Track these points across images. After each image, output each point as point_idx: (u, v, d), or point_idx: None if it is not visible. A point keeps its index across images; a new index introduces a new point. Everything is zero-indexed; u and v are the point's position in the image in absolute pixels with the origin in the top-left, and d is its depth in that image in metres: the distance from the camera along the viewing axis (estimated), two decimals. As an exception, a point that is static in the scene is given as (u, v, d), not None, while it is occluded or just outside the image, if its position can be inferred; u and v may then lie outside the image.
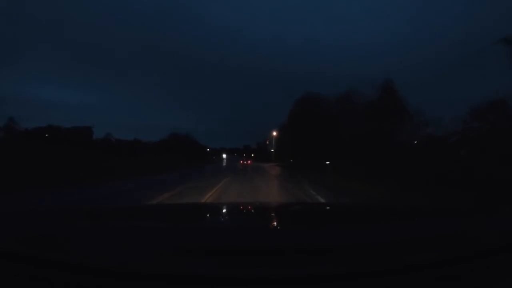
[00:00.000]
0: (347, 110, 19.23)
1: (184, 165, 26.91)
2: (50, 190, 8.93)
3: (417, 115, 15.60)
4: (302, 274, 0.67)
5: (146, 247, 0.79)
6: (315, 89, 26.60)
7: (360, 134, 15.91)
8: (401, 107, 16.27)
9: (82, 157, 14.60)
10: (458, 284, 0.71)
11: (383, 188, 8.94)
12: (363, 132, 15.88)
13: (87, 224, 1.13)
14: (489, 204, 5.60)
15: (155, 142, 40.63)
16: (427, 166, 9.81)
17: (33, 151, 12.15)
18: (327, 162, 18.92)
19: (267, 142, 63.62)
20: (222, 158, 75.04)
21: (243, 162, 41.14)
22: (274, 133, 48.80)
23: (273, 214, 1.63)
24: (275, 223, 1.35)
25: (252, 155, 72.59)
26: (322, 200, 7.93)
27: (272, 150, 51.72)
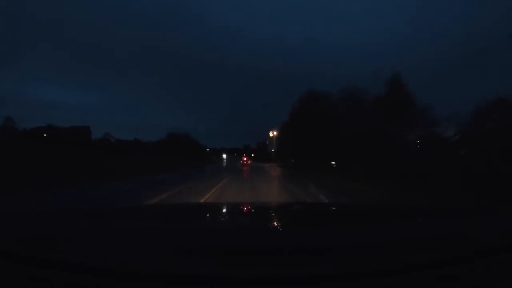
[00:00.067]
0: (352, 107, 18.25)
1: (183, 165, 26.90)
2: (50, 190, 8.94)
3: (426, 112, 14.75)
4: (302, 274, 0.67)
5: (146, 247, 0.79)
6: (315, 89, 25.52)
7: (366, 133, 15.09)
8: (410, 103, 15.36)
9: (81, 157, 14.59)
10: (458, 284, 0.71)
11: (408, 193, 7.93)
12: (370, 131, 15.06)
13: (87, 224, 1.13)
14: (489, 204, 5.60)
15: (154, 142, 40.41)
16: (430, 166, 9.74)
17: (32, 151, 12.12)
18: (333, 163, 18.20)
19: (267, 142, 63.56)
20: (222, 158, 74.92)
21: (243, 162, 41.25)
22: (275, 133, 48.68)
23: (273, 214, 1.63)
24: (275, 223, 1.35)
25: (252, 155, 72.51)
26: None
27: (273, 150, 51.59)
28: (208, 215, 1.62)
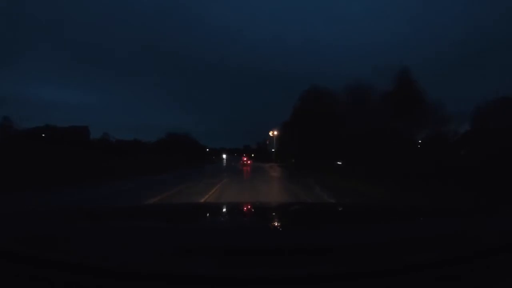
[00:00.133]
0: (357, 104, 17.22)
1: (183, 165, 26.91)
2: (50, 190, 8.94)
3: (437, 109, 14.03)
4: (302, 274, 0.67)
5: (146, 247, 0.79)
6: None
7: (373, 131, 14.27)
8: (420, 99, 14.51)
9: (80, 157, 14.59)
10: (458, 284, 0.71)
11: (415, 193, 7.56)
12: (376, 129, 14.26)
13: (87, 224, 1.13)
14: (489, 204, 5.60)
15: (154, 142, 40.25)
16: (432, 165, 9.59)
17: (31, 151, 12.11)
18: (339, 162, 17.31)
19: (267, 142, 63.42)
20: (222, 159, 74.78)
21: (243, 162, 41.14)
22: (275, 133, 48.31)
23: (273, 214, 1.63)
24: (275, 223, 1.35)
25: (252, 155, 72.33)
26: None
27: (273, 150, 51.27)
28: (208, 215, 1.62)
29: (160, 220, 1.41)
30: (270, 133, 54.19)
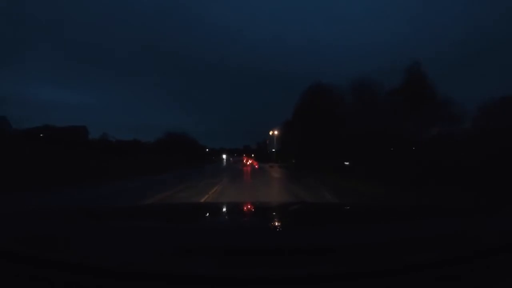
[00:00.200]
0: (364, 100, 16.19)
1: (183, 165, 26.90)
2: (50, 190, 8.94)
3: (448, 106, 13.29)
4: (302, 274, 0.67)
5: (146, 247, 0.79)
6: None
7: (379, 129, 13.43)
8: (431, 95, 13.67)
9: (80, 157, 14.59)
10: (458, 284, 0.71)
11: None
12: (383, 127, 13.41)
13: (87, 224, 1.13)
14: (489, 204, 5.60)
15: (153, 142, 40.05)
16: (434, 164, 9.39)
17: (30, 151, 12.12)
18: (346, 163, 16.18)
19: (267, 142, 63.24)
20: (222, 159, 74.60)
21: (244, 161, 40.79)
22: (275, 132, 47.77)
23: (273, 214, 1.63)
24: (275, 223, 1.35)
25: (252, 155, 72.24)
26: None
27: (273, 150, 50.89)
28: (208, 215, 1.62)
29: (160, 220, 1.41)
30: (270, 133, 53.89)
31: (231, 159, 79.24)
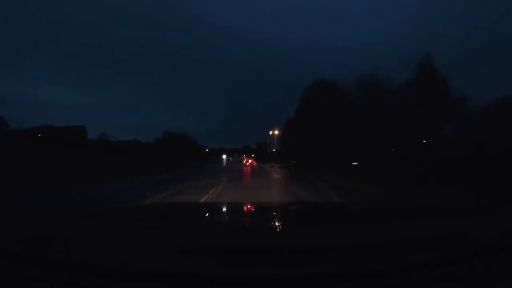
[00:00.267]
0: (370, 97, 15.13)
1: (182, 165, 26.86)
2: (50, 190, 8.94)
3: (463, 103, 12.33)
4: (302, 274, 0.67)
5: (146, 247, 0.79)
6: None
7: (389, 128, 12.56)
8: (444, 91, 12.77)
9: (80, 157, 14.60)
10: (458, 284, 0.71)
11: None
12: (392, 125, 12.51)
13: (87, 224, 1.13)
14: (489, 204, 5.60)
15: (151, 142, 39.81)
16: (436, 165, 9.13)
17: (30, 151, 12.12)
18: (354, 163, 15.10)
19: (267, 141, 63.07)
20: (222, 159, 74.42)
21: (244, 161, 40.82)
22: (276, 132, 47.30)
23: (273, 214, 1.63)
24: (275, 223, 1.35)
25: (252, 155, 72.19)
26: None
27: (274, 150, 50.56)
28: (208, 215, 1.62)
29: (160, 220, 1.41)
30: (270, 133, 53.64)
31: (231, 159, 79.21)
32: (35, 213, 1.35)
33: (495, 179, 6.74)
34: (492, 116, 11.45)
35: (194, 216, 1.53)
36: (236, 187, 10.99)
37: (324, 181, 12.28)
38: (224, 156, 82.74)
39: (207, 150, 75.64)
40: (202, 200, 7.46)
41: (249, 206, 1.94)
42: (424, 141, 13.49)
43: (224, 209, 1.81)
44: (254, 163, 40.82)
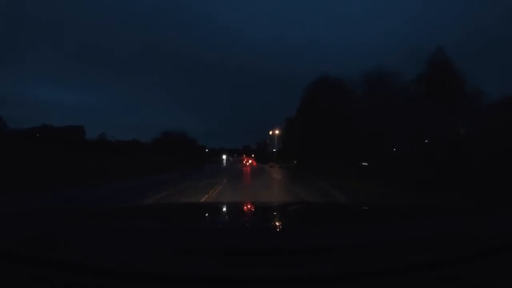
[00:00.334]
0: (377, 94, 14.35)
1: (182, 166, 26.85)
2: (50, 190, 8.94)
3: (477, 97, 11.69)
4: (302, 274, 0.67)
5: (146, 247, 0.79)
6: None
7: (395, 126, 11.87)
8: (458, 85, 11.98)
9: (80, 157, 14.59)
10: (458, 284, 0.71)
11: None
12: (398, 123, 11.78)
13: (87, 224, 1.13)
14: (489, 204, 5.60)
15: (150, 142, 39.44)
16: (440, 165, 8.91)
17: (29, 151, 12.10)
18: (364, 163, 14.56)
19: (267, 141, 62.95)
20: (222, 159, 74.30)
21: (244, 162, 40.84)
22: (276, 132, 46.96)
23: (273, 214, 1.63)
24: (275, 223, 1.35)
25: (252, 155, 72.17)
26: None
27: (274, 150, 50.31)
28: (208, 215, 1.62)
29: (160, 220, 1.41)
30: (270, 133, 53.44)
31: (230, 159, 79.19)
32: (35, 213, 1.35)
33: (495, 180, 6.73)
34: (492, 116, 11.43)
35: (194, 216, 1.53)
36: (236, 188, 10.99)
37: (332, 185, 11.38)
38: (224, 156, 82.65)
39: (207, 150, 75.57)
40: (202, 200, 7.47)
41: (249, 206, 1.94)
42: (426, 141, 13.25)
43: (224, 209, 1.81)
44: (254, 163, 41.17)
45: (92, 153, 17.67)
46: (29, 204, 6.44)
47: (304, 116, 21.29)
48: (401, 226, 1.10)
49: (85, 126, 34.89)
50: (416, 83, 13.42)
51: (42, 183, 9.19)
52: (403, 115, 12.31)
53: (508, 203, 5.35)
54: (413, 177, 9.10)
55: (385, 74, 14.82)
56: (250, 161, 44.21)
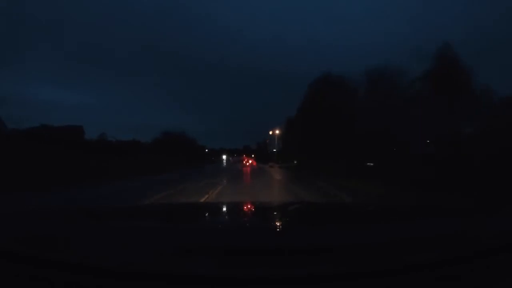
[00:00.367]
0: (381, 93, 14.16)
1: (182, 166, 26.84)
2: (50, 190, 8.94)
3: (485, 95, 11.51)
4: (302, 274, 0.67)
5: (146, 247, 0.79)
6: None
7: (398, 125, 11.71)
8: (466, 82, 11.73)
9: (80, 157, 14.58)
10: (458, 284, 0.71)
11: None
12: (402, 122, 11.62)
13: (87, 224, 1.13)
14: (489, 204, 5.60)
15: (149, 142, 39.32)
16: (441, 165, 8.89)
17: (29, 151, 12.09)
18: (370, 164, 14.34)
19: (267, 141, 62.90)
20: (222, 159, 74.25)
21: (244, 162, 40.81)
22: (276, 131, 46.74)
23: (273, 214, 1.63)
24: (275, 223, 1.35)
25: (252, 155, 72.14)
26: None
27: (274, 150, 50.13)
28: (208, 215, 1.62)
29: (160, 220, 1.41)
30: (270, 133, 53.32)
31: (230, 159, 79.19)
32: (35, 213, 1.35)
33: (495, 180, 6.73)
34: (492, 116, 11.42)
35: (194, 216, 1.53)
36: (236, 188, 11.00)
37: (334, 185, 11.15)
38: (224, 156, 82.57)
39: (207, 150, 75.51)
40: (202, 200, 7.47)
41: (249, 206, 1.94)
42: (428, 141, 13.15)
43: (224, 209, 1.81)
44: (254, 163, 41.28)
45: (92, 153, 17.65)
46: (29, 204, 6.44)
47: (304, 115, 21.06)
48: (401, 226, 1.10)
49: (85, 126, 34.71)
50: (422, 79, 13.19)
51: (42, 183, 9.19)
52: (408, 114, 12.14)
53: (508, 203, 5.35)
54: (413, 177, 9.11)
55: (388, 72, 14.70)
56: (250, 161, 44.28)
